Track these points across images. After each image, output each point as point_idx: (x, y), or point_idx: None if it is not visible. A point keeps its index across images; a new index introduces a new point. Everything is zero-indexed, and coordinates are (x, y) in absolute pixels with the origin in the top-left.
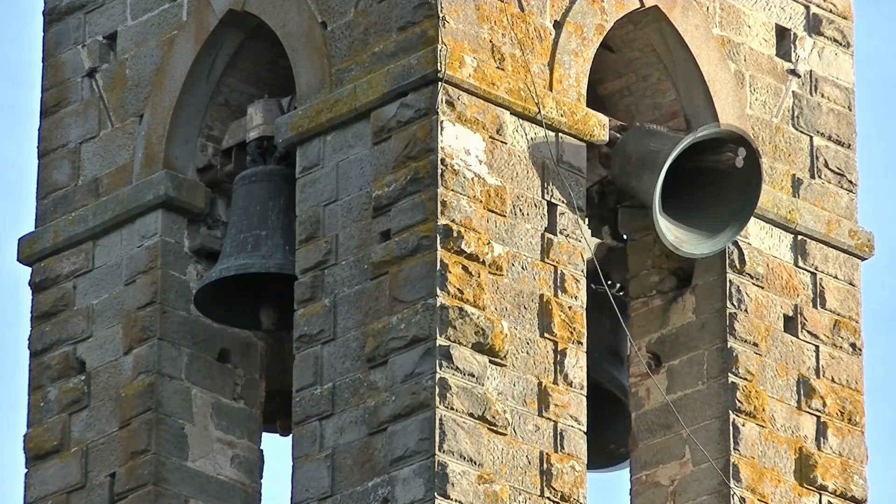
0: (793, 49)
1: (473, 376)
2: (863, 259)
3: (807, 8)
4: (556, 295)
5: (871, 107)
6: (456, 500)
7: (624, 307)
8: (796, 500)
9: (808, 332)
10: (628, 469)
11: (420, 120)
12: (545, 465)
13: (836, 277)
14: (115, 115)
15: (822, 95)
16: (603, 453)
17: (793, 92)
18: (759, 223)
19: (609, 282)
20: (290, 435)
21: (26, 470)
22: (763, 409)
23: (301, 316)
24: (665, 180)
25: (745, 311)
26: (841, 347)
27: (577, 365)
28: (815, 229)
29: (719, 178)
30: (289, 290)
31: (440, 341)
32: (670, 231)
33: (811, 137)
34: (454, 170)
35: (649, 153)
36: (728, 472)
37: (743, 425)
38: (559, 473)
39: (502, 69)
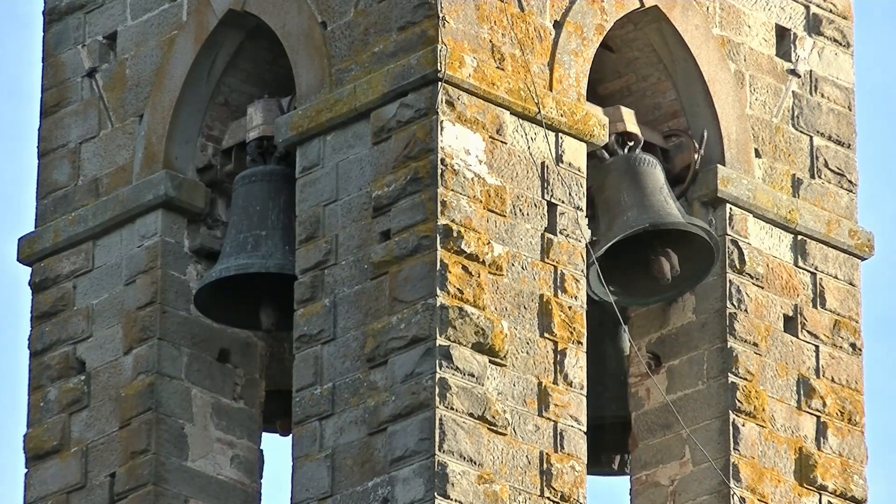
0: (793, 49)
1: (473, 376)
2: (863, 259)
3: (807, 8)
4: (556, 295)
5: (871, 107)
6: (456, 500)
7: (624, 308)
8: (796, 500)
9: (808, 332)
10: (628, 469)
11: (420, 120)
12: (545, 465)
13: (836, 277)
14: (115, 115)
15: (822, 95)
16: (601, 462)
17: (793, 92)
18: (759, 223)
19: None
20: (290, 435)
21: (26, 470)
22: (763, 409)
23: (301, 316)
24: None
25: (745, 311)
26: (841, 347)
27: (577, 365)
28: (815, 229)
29: (676, 244)
30: (289, 290)
31: (440, 341)
32: (599, 287)
33: (811, 137)
34: (454, 170)
35: (616, 203)
36: (728, 472)
37: (743, 425)
38: (559, 473)
39: (502, 69)
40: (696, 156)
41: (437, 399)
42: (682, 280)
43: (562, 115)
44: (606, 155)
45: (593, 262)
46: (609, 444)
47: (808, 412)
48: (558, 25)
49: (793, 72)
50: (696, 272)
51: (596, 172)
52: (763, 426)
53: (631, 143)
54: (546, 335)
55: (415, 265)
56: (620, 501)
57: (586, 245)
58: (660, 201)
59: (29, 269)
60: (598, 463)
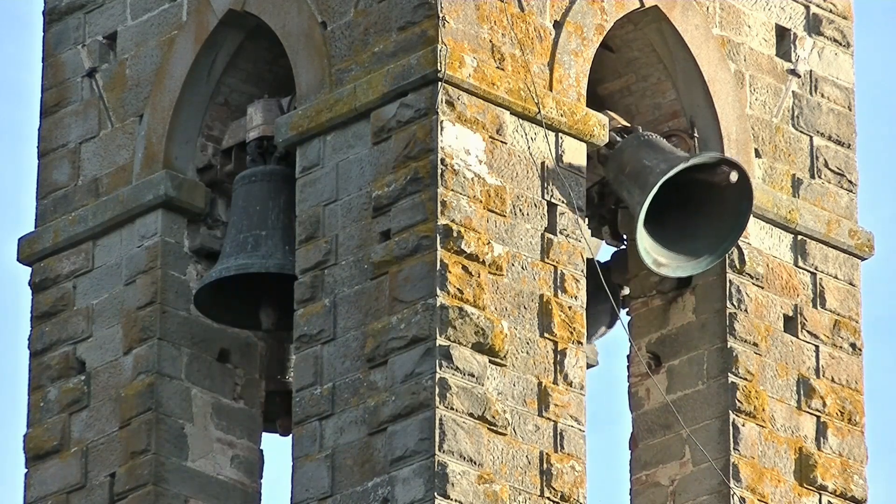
0: (793, 49)
1: (473, 376)
2: (863, 259)
3: (807, 8)
4: (556, 295)
5: (871, 107)
6: (456, 500)
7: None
8: (796, 500)
9: (808, 332)
10: (628, 469)
11: (420, 120)
12: (545, 465)
13: (836, 277)
14: (115, 115)
15: (822, 95)
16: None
17: (793, 92)
18: (759, 223)
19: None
20: (290, 435)
21: (26, 470)
22: (763, 409)
23: (301, 316)
24: (655, 195)
25: (745, 311)
26: (841, 347)
27: (577, 365)
28: (815, 229)
29: (709, 201)
30: (289, 290)
31: (440, 341)
32: (649, 254)
33: (811, 137)
34: (454, 170)
35: (642, 168)
36: (728, 472)
37: (743, 425)
38: (559, 473)
39: (502, 69)
40: (693, 142)
41: (437, 399)
42: (724, 236)
43: (562, 115)
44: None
45: (637, 231)
46: None
47: (808, 412)
48: (558, 25)
49: (793, 72)
50: (735, 227)
51: (610, 160)
52: (763, 426)
53: (632, 133)
54: (546, 335)
55: (415, 265)
56: (620, 501)
57: (623, 211)
58: (683, 154)
59: (29, 269)
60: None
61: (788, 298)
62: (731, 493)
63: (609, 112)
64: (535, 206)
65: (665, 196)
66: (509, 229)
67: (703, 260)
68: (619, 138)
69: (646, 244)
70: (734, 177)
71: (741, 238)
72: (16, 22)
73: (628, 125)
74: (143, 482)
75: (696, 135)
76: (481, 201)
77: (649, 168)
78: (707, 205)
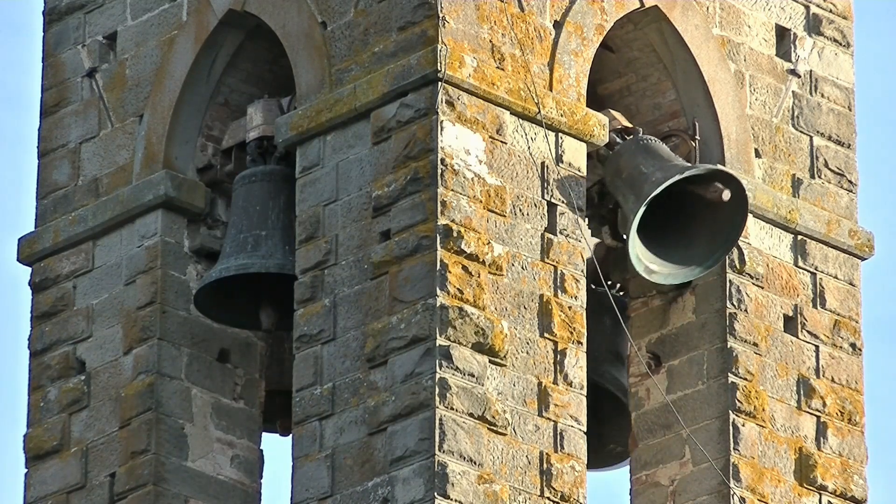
0: (793, 49)
1: (473, 376)
2: (863, 259)
3: (807, 8)
4: (556, 295)
5: (871, 107)
6: (456, 500)
7: (624, 307)
8: (796, 500)
9: (808, 332)
10: (628, 469)
11: (420, 120)
12: (545, 465)
13: (836, 277)
14: (115, 115)
15: (822, 95)
16: (602, 453)
17: (793, 92)
18: (759, 223)
19: (609, 282)
20: (290, 435)
21: (26, 470)
22: (763, 409)
23: (301, 316)
24: (651, 201)
25: (745, 311)
26: (841, 347)
27: (576, 365)
28: (815, 229)
29: (705, 211)
30: (289, 290)
31: (440, 341)
32: (640, 261)
33: (811, 137)
34: (454, 170)
35: (639, 175)
36: (728, 472)
37: (743, 425)
38: (559, 473)
39: (502, 69)
40: (693, 143)
41: (437, 399)
42: (717, 247)
43: (562, 115)
44: (609, 152)
45: (630, 235)
46: None
47: (808, 412)
48: (558, 25)
49: (793, 72)
50: (727, 239)
51: (608, 163)
52: (763, 426)
53: (631, 136)
54: (546, 335)
55: (415, 265)
56: (620, 501)
57: (623, 219)
58: (681, 162)
59: (29, 269)
60: None
61: (788, 298)
62: (731, 493)
63: (611, 111)
64: (535, 206)
65: (661, 202)
66: (509, 229)
67: (695, 269)
68: (619, 140)
69: (638, 251)
70: (726, 195)
71: (741, 238)
72: (15, 22)
73: (629, 125)
74: (143, 482)
75: (697, 136)
76: (481, 201)
77: (645, 175)
78: (702, 214)
